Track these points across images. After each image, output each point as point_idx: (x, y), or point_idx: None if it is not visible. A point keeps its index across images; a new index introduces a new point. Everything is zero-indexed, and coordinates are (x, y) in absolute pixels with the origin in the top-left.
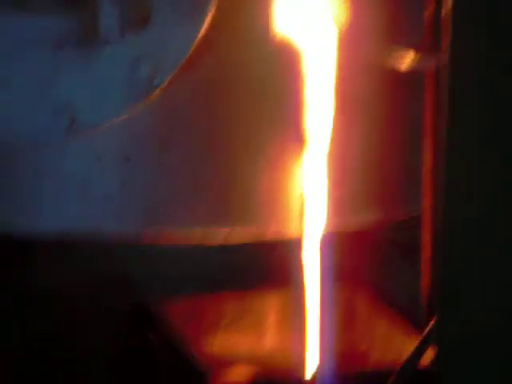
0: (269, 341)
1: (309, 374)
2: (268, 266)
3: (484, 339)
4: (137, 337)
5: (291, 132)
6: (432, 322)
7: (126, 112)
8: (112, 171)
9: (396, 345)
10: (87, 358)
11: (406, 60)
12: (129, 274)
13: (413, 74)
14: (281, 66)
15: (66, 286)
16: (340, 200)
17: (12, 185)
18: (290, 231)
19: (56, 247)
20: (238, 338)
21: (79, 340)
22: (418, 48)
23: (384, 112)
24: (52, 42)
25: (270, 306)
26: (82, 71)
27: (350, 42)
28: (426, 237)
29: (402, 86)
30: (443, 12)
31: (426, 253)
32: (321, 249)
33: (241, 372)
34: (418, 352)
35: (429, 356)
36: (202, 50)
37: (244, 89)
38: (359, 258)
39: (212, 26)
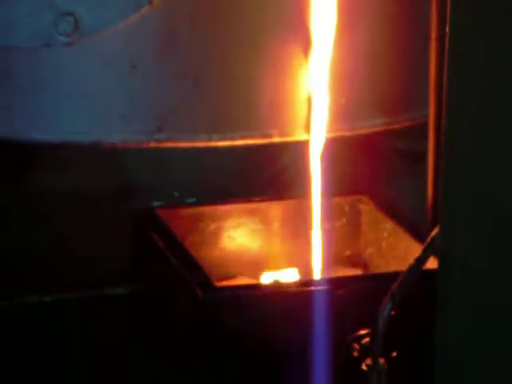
0: (270, 250)
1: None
2: (273, 171)
3: (485, 247)
4: (143, 239)
5: (295, 36)
6: (435, 230)
7: (128, 17)
8: (117, 78)
9: (398, 252)
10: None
11: None
12: (135, 180)
13: None
14: None
15: (71, 191)
16: (345, 104)
17: (16, 92)
18: (296, 135)
19: (61, 153)
20: (239, 247)
21: (85, 238)
22: None
23: (389, 15)
24: None
25: (274, 214)
26: None
27: None
28: (432, 145)
29: None
30: None
31: (431, 161)
32: (325, 153)
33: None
34: (421, 259)
35: (432, 262)
36: None
37: None
38: (364, 165)
39: None
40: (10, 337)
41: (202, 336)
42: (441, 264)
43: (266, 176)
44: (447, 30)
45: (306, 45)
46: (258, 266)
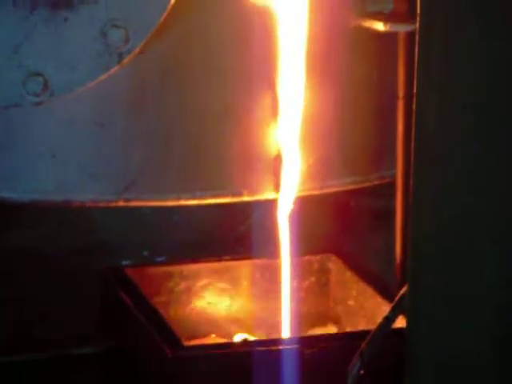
0: (239, 309)
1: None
2: (243, 229)
3: (451, 307)
4: (112, 298)
5: (264, 95)
6: (403, 289)
7: (97, 77)
8: (86, 137)
9: (367, 311)
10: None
11: (380, 25)
12: (104, 237)
13: (386, 40)
14: (252, 29)
15: (41, 249)
16: (314, 163)
17: None
18: (265, 194)
19: (30, 212)
20: (208, 306)
21: (52, 297)
22: (392, 13)
23: (358, 75)
24: (25, 3)
25: (243, 274)
26: (54, 35)
27: (324, 6)
28: (400, 204)
29: (376, 51)
30: None
31: (399, 220)
32: (295, 211)
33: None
34: (390, 318)
35: (400, 321)
36: (173, 17)
37: (215, 54)
38: (333, 224)
39: None
40: None
41: None
42: (408, 323)
43: (236, 234)
44: (414, 90)
45: (274, 104)
46: (228, 325)
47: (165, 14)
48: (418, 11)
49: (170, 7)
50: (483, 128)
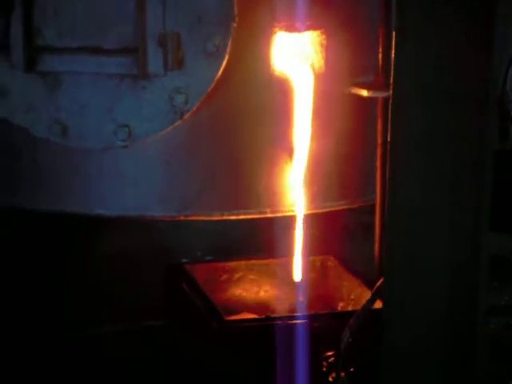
0: (265, 294)
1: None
2: (267, 239)
3: (413, 293)
4: (174, 288)
5: (283, 143)
6: (380, 280)
7: (166, 128)
8: (157, 170)
9: (355, 296)
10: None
11: (364, 92)
12: (169, 242)
13: (369, 102)
14: (276, 97)
15: (124, 250)
16: (317, 190)
17: (86, 180)
18: (283, 212)
19: (117, 224)
20: (242, 292)
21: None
22: (373, 83)
23: (349, 127)
24: (116, 76)
25: (267, 269)
26: (136, 99)
27: (325, 78)
28: (378, 219)
29: (362, 110)
30: (391, 57)
31: (378, 231)
32: (304, 225)
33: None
34: (371, 301)
35: (378, 303)
36: (219, 85)
37: (249, 113)
38: (331, 233)
39: (226, 68)
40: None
41: (216, 355)
42: (384, 304)
43: (262, 240)
44: (388, 138)
45: (290, 150)
46: (256, 305)
47: (212, 85)
48: (391, 82)
49: (215, 80)
50: (440, 170)
